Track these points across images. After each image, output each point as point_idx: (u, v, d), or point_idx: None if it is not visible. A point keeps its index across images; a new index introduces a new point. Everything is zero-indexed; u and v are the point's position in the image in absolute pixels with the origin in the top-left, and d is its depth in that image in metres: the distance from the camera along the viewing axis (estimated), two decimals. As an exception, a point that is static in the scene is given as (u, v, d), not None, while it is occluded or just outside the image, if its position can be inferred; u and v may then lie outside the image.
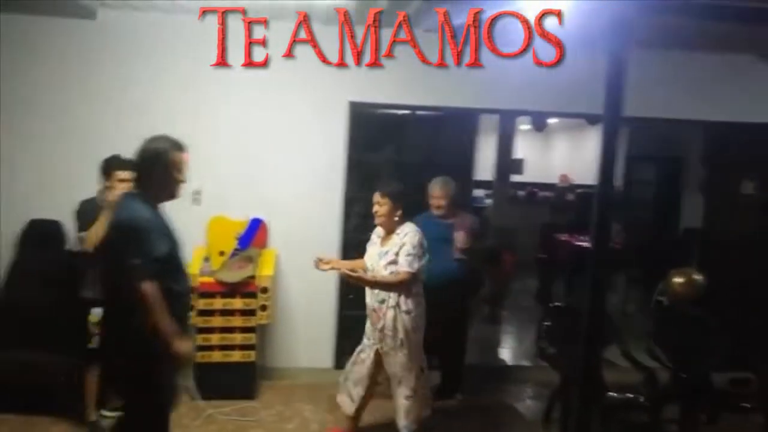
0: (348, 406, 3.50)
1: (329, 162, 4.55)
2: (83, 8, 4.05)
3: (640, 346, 3.70)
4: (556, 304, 4.49)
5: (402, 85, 4.54)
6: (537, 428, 3.86)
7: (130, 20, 4.23)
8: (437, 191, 4.11)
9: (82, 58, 4.25)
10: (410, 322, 3.27)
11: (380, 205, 3.28)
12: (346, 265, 3.43)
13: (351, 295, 4.71)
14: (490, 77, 4.51)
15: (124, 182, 3.32)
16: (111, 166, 3.47)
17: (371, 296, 3.36)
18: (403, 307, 3.26)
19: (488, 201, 9.58)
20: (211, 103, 4.40)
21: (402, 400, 3.34)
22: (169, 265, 2.49)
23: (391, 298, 3.27)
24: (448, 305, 4.07)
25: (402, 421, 3.36)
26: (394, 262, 3.23)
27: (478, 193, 9.37)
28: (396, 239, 3.29)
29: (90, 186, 3.64)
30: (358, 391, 3.46)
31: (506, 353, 5.67)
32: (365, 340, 3.48)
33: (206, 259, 4.16)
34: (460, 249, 4.07)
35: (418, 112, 4.71)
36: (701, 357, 3.64)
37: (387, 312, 3.27)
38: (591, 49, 4.42)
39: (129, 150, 4.40)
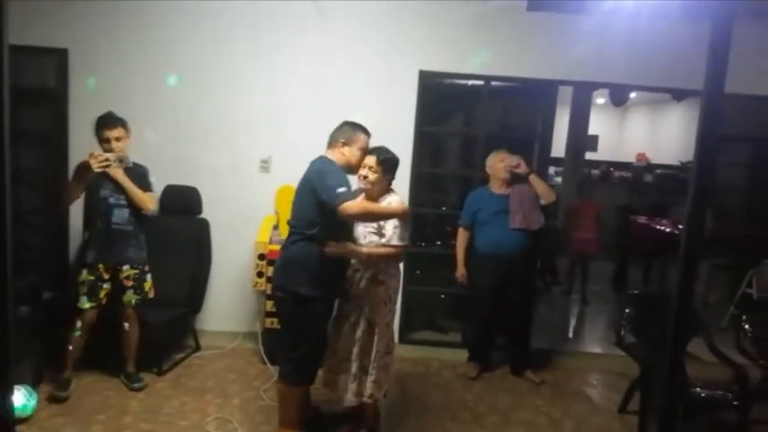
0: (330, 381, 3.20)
1: (398, 132, 4.43)
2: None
3: (723, 340, 3.43)
4: (636, 291, 4.23)
5: (475, 53, 4.36)
6: (611, 417, 3.67)
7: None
8: (494, 159, 4.04)
9: (149, 24, 4.29)
10: (383, 293, 3.04)
11: (373, 172, 3.02)
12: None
13: (418, 270, 4.64)
14: (567, 46, 4.30)
15: (109, 142, 3.30)
16: (99, 125, 3.36)
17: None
18: (380, 277, 3.04)
19: (558, 179, 9.22)
20: (281, 73, 4.37)
21: (355, 366, 3.04)
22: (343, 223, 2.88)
23: (367, 269, 3.04)
24: (513, 277, 3.98)
25: (351, 395, 3.04)
26: (376, 233, 3.02)
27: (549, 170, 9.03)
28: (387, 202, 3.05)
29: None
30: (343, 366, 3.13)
31: (578, 339, 5.47)
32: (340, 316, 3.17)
33: (275, 228, 4.16)
34: (509, 170, 3.95)
35: (493, 83, 4.50)
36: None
37: (360, 282, 3.04)
38: (682, 18, 4.18)
39: (207, 121, 4.49)
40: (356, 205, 2.76)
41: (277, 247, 3.99)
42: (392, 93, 4.41)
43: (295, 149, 4.35)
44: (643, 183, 8.87)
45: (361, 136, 3.05)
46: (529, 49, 4.38)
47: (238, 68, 4.35)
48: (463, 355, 4.32)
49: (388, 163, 3.07)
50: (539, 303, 5.10)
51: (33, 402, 3.14)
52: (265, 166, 4.38)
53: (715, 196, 6.28)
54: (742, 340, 3.41)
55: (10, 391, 2.75)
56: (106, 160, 3.23)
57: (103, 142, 3.32)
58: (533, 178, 3.96)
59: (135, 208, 3.43)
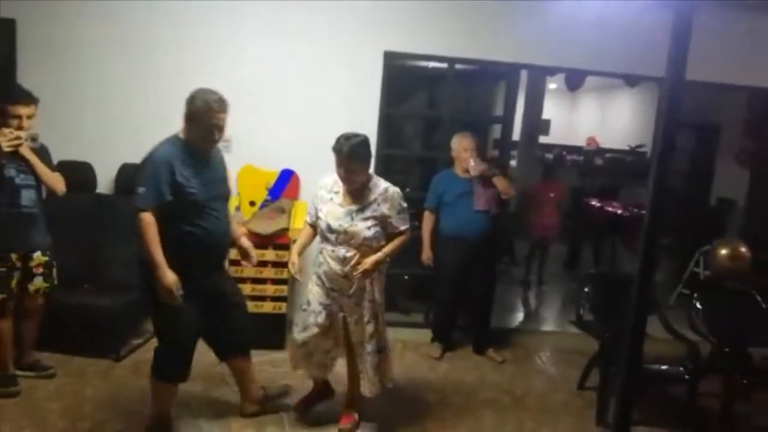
0: (321, 371, 3.18)
1: (362, 113, 4.38)
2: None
3: (672, 317, 3.59)
4: (594, 271, 4.37)
5: (439, 35, 4.35)
6: (571, 394, 3.80)
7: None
8: (465, 143, 4.05)
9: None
10: (381, 282, 2.99)
11: (349, 172, 2.81)
12: (299, 249, 3.02)
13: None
14: (529, 30, 4.34)
15: (21, 119, 3.03)
16: (11, 101, 3.07)
17: (338, 262, 2.86)
18: (383, 267, 2.95)
19: (512, 162, 9.36)
20: (242, 53, 4.25)
21: (372, 359, 2.98)
22: (185, 206, 2.61)
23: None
24: (476, 259, 4.05)
25: (370, 386, 3.02)
26: (377, 221, 2.83)
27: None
28: (369, 194, 2.86)
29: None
30: (333, 356, 3.12)
31: (535, 317, 5.61)
32: (317, 306, 2.97)
33: (237, 209, 4.06)
34: (472, 174, 3.97)
35: (456, 66, 4.50)
36: (745, 332, 3.56)
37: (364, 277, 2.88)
38: (644, 4, 4.28)
39: (166, 104, 4.32)
40: (144, 224, 2.52)
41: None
42: (357, 74, 4.36)
43: (257, 130, 4.27)
44: (593, 166, 9.14)
45: (201, 106, 2.63)
46: (494, 31, 4.40)
47: (196, 46, 4.18)
48: (425, 335, 4.37)
49: (358, 149, 2.80)
50: (498, 283, 5.20)
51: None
52: (226, 145, 4.25)
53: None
54: (694, 318, 3.58)
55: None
56: (17, 138, 2.98)
57: (13, 118, 3.03)
58: (497, 179, 4.03)
59: (39, 190, 3.20)
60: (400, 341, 4.38)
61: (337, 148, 2.79)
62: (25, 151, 3.07)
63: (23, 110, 3.04)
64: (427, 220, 4.17)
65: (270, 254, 3.93)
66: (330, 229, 2.85)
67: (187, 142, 2.68)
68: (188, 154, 2.66)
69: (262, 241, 3.89)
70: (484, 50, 4.42)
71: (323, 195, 2.96)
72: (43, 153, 3.22)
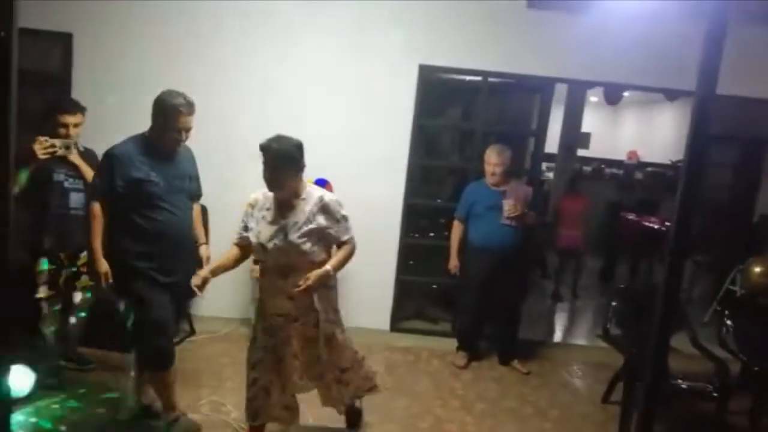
0: (288, 414, 2.84)
1: (396, 125, 4.50)
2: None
3: (705, 335, 3.55)
4: (623, 285, 4.35)
5: (474, 50, 4.43)
6: (595, 407, 3.79)
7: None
8: (493, 158, 4.09)
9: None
10: (332, 299, 2.77)
11: (279, 177, 2.55)
12: (214, 267, 2.73)
13: (411, 261, 4.73)
14: (564, 45, 4.38)
15: (67, 127, 3.21)
16: (60, 110, 3.26)
17: (280, 282, 2.60)
18: (330, 282, 2.70)
19: (549, 175, 9.33)
20: (280, 64, 4.41)
21: (336, 383, 2.80)
22: (140, 199, 2.75)
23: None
24: (502, 270, 4.08)
25: (338, 404, 2.88)
26: (314, 235, 2.58)
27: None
28: (304, 205, 2.60)
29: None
30: (292, 391, 2.81)
31: (565, 331, 5.59)
32: (263, 339, 2.76)
33: (272, 216, 4.23)
34: (506, 216, 4.01)
35: (490, 79, 4.57)
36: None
37: (309, 295, 2.61)
38: (678, 19, 4.26)
39: (209, 112, 4.51)
40: (92, 214, 2.78)
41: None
42: (392, 86, 4.48)
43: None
44: (633, 180, 9.00)
45: (168, 108, 2.74)
46: (528, 46, 4.45)
47: (238, 58, 4.38)
48: (452, 344, 4.43)
49: (289, 151, 2.54)
50: (528, 295, 5.20)
51: (30, 382, 3.18)
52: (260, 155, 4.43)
53: (700, 195, 6.41)
54: (724, 335, 3.53)
55: (7, 372, 2.80)
56: (52, 146, 3.15)
57: (60, 127, 3.22)
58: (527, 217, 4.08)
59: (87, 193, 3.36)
60: (426, 349, 4.46)
61: (265, 146, 2.53)
62: (74, 157, 3.29)
63: (70, 119, 3.27)
64: (456, 229, 4.25)
65: (301, 259, 4.06)
66: (263, 249, 2.58)
67: (151, 140, 2.83)
68: (151, 150, 2.81)
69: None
70: (519, 64, 4.49)
71: (254, 213, 2.68)
72: (90, 158, 3.44)
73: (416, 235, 4.80)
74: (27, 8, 2.81)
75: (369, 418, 3.35)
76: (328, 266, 2.58)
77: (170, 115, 2.76)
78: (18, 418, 2.95)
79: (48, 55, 4.23)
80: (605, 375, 4.00)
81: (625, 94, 9.97)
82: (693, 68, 2.50)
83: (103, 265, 2.80)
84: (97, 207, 2.79)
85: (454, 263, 4.23)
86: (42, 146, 3.12)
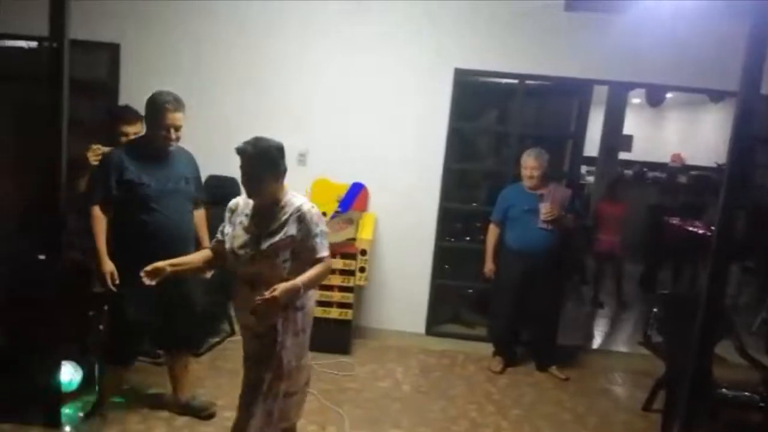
0: None
1: (431, 129, 4.51)
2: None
3: (752, 343, 3.44)
4: (665, 291, 4.25)
5: (511, 52, 4.41)
6: (635, 415, 3.71)
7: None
8: (530, 162, 4.06)
9: (199, 17, 4.45)
10: (297, 323, 2.43)
11: (257, 180, 2.34)
12: (177, 261, 2.48)
13: (447, 265, 4.72)
14: (603, 46, 4.32)
15: (127, 136, 3.25)
16: (120, 120, 3.35)
17: (251, 295, 2.31)
18: (297, 303, 2.39)
19: (590, 178, 9.17)
20: (318, 68, 4.48)
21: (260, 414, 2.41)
22: (133, 200, 2.82)
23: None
24: (538, 275, 4.05)
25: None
26: (286, 247, 2.33)
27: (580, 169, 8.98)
28: (281, 214, 2.37)
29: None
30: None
31: (605, 337, 5.48)
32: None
33: (309, 219, 4.29)
34: (543, 220, 3.98)
35: (527, 82, 4.54)
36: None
37: (273, 310, 2.31)
38: (720, 18, 4.15)
39: (247, 115, 4.58)
40: (92, 218, 2.84)
41: (311, 238, 4.14)
42: (427, 90, 4.49)
43: (330, 144, 4.51)
44: (677, 184, 8.76)
45: (156, 106, 2.84)
46: (566, 48, 4.40)
47: (278, 63, 4.47)
48: (488, 349, 4.40)
49: (267, 153, 2.35)
50: (567, 301, 5.13)
51: (78, 377, 3.31)
52: (302, 159, 4.51)
53: (748, 199, 6.21)
54: (772, 344, 3.41)
55: (59, 367, 2.89)
56: (103, 154, 3.19)
57: (121, 136, 3.26)
58: (565, 220, 4.03)
59: None
60: (461, 353, 4.45)
61: (241, 149, 2.34)
62: None
63: (131, 128, 3.35)
64: (492, 232, 4.23)
65: (338, 263, 4.11)
66: (235, 256, 2.39)
67: (144, 142, 2.93)
68: (143, 153, 2.88)
69: (330, 249, 4.09)
70: (557, 67, 4.44)
71: (232, 218, 2.48)
72: None
73: (452, 239, 4.80)
74: (76, 21, 2.96)
75: (404, 420, 3.38)
76: (298, 281, 2.28)
77: (158, 113, 2.82)
78: (66, 411, 3.08)
79: (97, 64, 4.41)
80: (646, 382, 3.91)
81: (669, 95, 9.73)
82: (736, 68, 2.45)
83: (108, 265, 2.84)
84: (96, 209, 2.85)
85: (489, 267, 4.22)
86: (95, 153, 3.22)
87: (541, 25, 4.39)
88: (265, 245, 2.33)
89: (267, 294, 2.18)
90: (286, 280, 2.28)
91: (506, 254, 4.16)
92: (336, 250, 4.11)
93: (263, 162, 2.33)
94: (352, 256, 4.12)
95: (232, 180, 4.36)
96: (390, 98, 4.50)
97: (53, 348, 3.04)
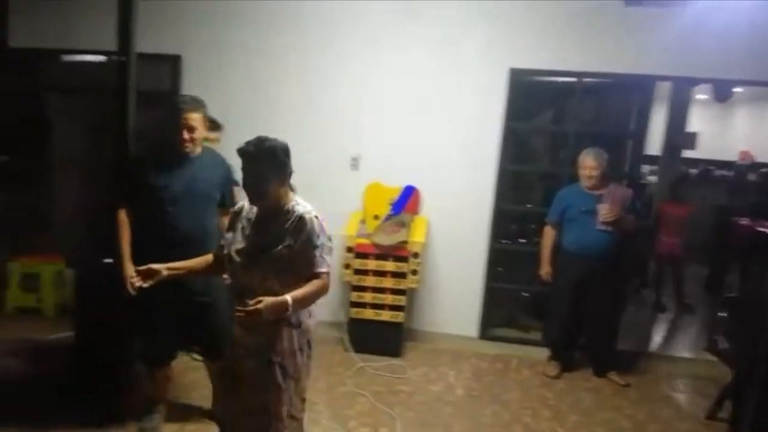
0: None
1: (484, 131, 4.47)
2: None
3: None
4: (732, 294, 4.07)
5: (568, 50, 4.32)
6: (698, 424, 3.57)
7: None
8: (589, 162, 3.97)
9: (255, 29, 4.57)
10: (298, 339, 2.23)
11: (254, 180, 2.18)
12: (173, 265, 2.36)
13: (500, 267, 4.67)
14: (665, 41, 4.17)
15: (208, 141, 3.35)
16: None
17: (239, 305, 2.10)
18: (292, 319, 2.20)
19: (652, 178, 8.84)
20: (371, 71, 4.52)
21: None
22: (150, 201, 2.82)
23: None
24: (597, 278, 3.96)
25: None
26: (282, 260, 2.15)
27: (642, 168, 8.68)
28: (282, 222, 2.20)
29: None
30: None
31: (667, 342, 5.29)
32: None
33: (362, 222, 4.35)
34: (603, 221, 3.87)
35: (584, 80, 4.43)
36: None
37: (265, 327, 2.16)
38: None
39: (302, 122, 4.64)
40: (117, 221, 2.85)
41: (363, 241, 4.20)
42: (479, 91, 4.45)
43: (383, 147, 4.54)
44: (746, 182, 8.33)
45: (172, 107, 2.87)
46: (626, 44, 4.26)
47: (330, 69, 4.54)
48: (543, 353, 4.33)
49: (268, 153, 2.17)
50: (627, 304, 4.96)
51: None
52: (354, 163, 4.57)
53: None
54: None
55: (130, 365, 2.95)
56: None
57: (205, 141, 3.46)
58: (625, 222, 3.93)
59: None
60: (515, 357, 4.40)
61: (243, 149, 2.18)
62: None
63: (211, 135, 3.51)
64: (548, 234, 4.16)
65: (390, 265, 4.16)
66: (231, 262, 2.25)
67: (166, 145, 2.90)
68: (164, 156, 2.89)
69: (383, 252, 4.14)
70: (617, 63, 4.31)
71: (236, 222, 2.33)
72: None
73: (506, 241, 4.73)
74: (140, 34, 3.11)
75: (456, 425, 3.37)
76: (288, 296, 2.07)
77: (175, 114, 2.82)
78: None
79: (159, 76, 4.60)
80: (711, 390, 3.76)
81: (737, 90, 9.27)
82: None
83: (129, 269, 2.77)
84: (121, 213, 2.89)
85: (545, 270, 4.15)
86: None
87: (600, 21, 4.27)
88: (261, 255, 2.17)
89: (251, 304, 2.01)
90: (276, 294, 2.08)
91: (564, 256, 4.08)
92: (388, 253, 4.16)
93: (267, 163, 2.16)
94: (403, 259, 4.14)
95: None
96: (442, 99, 4.49)
97: (125, 347, 3.19)
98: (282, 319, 2.14)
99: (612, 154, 4.18)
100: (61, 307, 4.43)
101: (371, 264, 4.19)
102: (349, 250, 4.19)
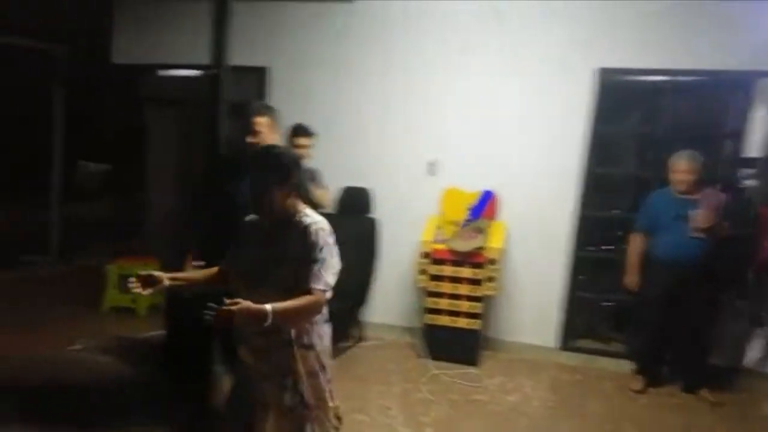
0: None
1: (567, 134, 4.35)
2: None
3: None
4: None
5: (661, 47, 4.12)
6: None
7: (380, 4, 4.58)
8: (682, 165, 3.77)
9: (339, 39, 4.69)
10: (313, 361, 2.15)
11: (258, 192, 2.10)
12: (177, 275, 2.33)
13: (582, 275, 4.52)
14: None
15: (303, 149, 3.67)
16: (297, 134, 3.84)
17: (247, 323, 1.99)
18: (304, 340, 2.12)
19: (749, 182, 8.18)
20: (447, 76, 4.51)
21: None
22: (228, 209, 2.80)
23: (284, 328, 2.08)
24: (689, 287, 3.76)
25: None
26: (287, 278, 2.05)
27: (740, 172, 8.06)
28: (288, 236, 2.10)
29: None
30: None
31: (766, 359, 4.90)
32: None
33: (439, 228, 4.35)
34: (697, 228, 3.66)
35: (678, 78, 4.20)
36: None
37: (277, 349, 2.11)
38: None
39: (380, 128, 4.71)
40: None
41: (440, 246, 4.20)
42: (562, 91, 4.33)
43: (461, 153, 4.52)
44: None
45: (243, 111, 2.98)
46: (723, 39, 4.02)
47: (413, 75, 4.56)
48: (625, 366, 4.15)
49: (272, 160, 2.12)
50: (721, 317, 4.65)
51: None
52: (432, 168, 4.58)
53: None
54: None
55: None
56: None
57: (295, 148, 3.69)
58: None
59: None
60: (596, 369, 4.25)
61: (249, 159, 2.21)
62: None
63: (305, 141, 3.76)
64: (635, 242, 3.98)
65: (466, 271, 4.13)
66: (235, 277, 2.21)
67: (237, 155, 2.95)
68: (242, 160, 2.85)
69: (459, 258, 4.13)
70: (714, 60, 4.07)
71: (245, 236, 2.25)
72: (315, 174, 3.92)
73: (591, 248, 4.56)
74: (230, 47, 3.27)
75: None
76: (268, 306, 1.92)
77: (244, 117, 2.93)
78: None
79: (246, 87, 4.83)
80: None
81: None
82: None
83: (162, 274, 2.87)
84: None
85: (633, 279, 3.96)
86: None
87: (694, 16, 4.05)
88: (264, 273, 2.08)
89: (227, 304, 1.87)
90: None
91: (653, 265, 3.88)
92: (464, 259, 4.13)
93: (272, 173, 2.07)
94: (479, 266, 4.10)
95: (362, 190, 4.53)
96: (522, 102, 4.40)
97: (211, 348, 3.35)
98: (289, 340, 2.09)
99: (706, 157, 3.94)
100: (154, 307, 4.74)
101: (447, 270, 4.18)
102: (426, 255, 4.20)
